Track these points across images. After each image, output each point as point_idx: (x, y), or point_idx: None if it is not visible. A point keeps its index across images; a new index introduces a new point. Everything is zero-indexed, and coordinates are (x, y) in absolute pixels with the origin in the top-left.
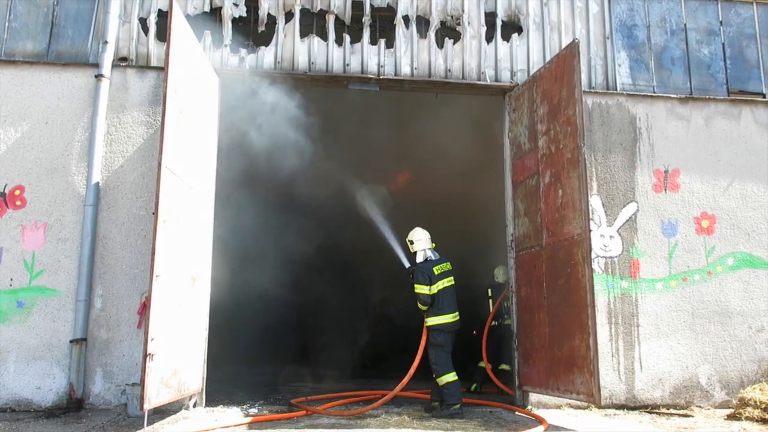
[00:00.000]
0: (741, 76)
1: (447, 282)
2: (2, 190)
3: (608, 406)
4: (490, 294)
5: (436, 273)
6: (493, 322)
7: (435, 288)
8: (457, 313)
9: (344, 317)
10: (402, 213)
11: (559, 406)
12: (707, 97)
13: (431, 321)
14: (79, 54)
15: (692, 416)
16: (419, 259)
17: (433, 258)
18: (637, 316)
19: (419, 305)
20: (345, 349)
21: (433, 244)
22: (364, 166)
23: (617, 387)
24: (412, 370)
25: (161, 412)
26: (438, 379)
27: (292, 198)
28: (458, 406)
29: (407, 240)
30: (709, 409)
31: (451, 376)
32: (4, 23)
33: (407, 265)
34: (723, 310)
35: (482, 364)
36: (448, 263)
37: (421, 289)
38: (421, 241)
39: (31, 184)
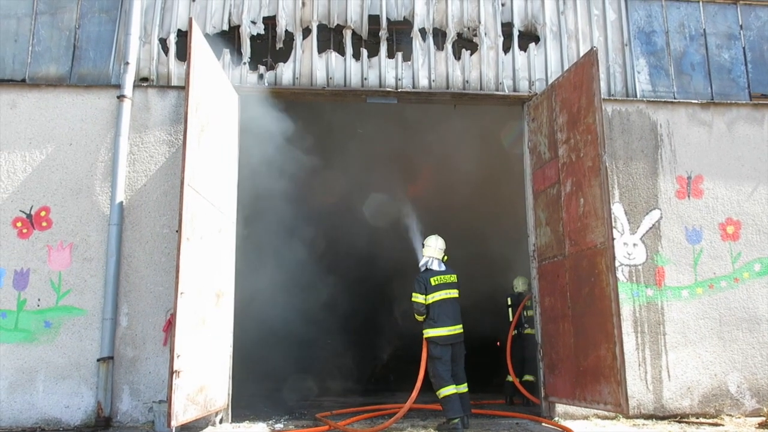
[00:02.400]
0: (763, 79)
1: (446, 294)
2: (28, 212)
3: (636, 416)
4: (509, 303)
5: (433, 283)
6: (513, 332)
7: (431, 298)
8: (457, 326)
9: (368, 332)
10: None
11: (586, 417)
12: (729, 101)
13: (427, 333)
14: (101, 76)
15: (722, 425)
16: (420, 264)
17: (435, 268)
18: (664, 325)
19: (415, 315)
20: (369, 364)
21: (445, 257)
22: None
23: (645, 396)
24: (418, 383)
25: (188, 429)
26: (437, 392)
27: (312, 211)
28: (457, 420)
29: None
30: (739, 417)
31: (449, 390)
32: (28, 48)
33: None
34: (751, 316)
35: (510, 378)
36: (454, 276)
37: (416, 297)
38: (429, 248)
39: (56, 205)
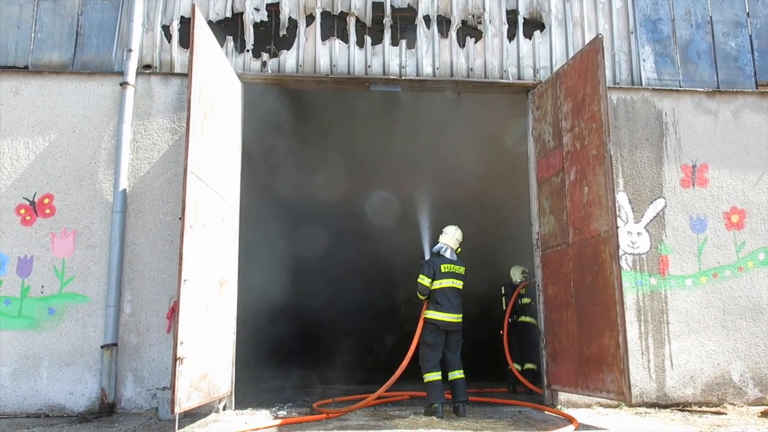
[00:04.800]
0: None
1: (452, 283)
2: (32, 199)
3: (639, 405)
4: (503, 291)
5: (442, 270)
6: (509, 320)
7: (438, 284)
8: (458, 315)
9: (371, 320)
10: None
11: (588, 405)
12: (735, 90)
13: (428, 314)
14: (103, 63)
15: (725, 414)
16: (433, 249)
17: (447, 256)
18: (667, 313)
19: (418, 294)
20: (371, 351)
21: (458, 249)
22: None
23: (648, 385)
24: (404, 363)
25: (191, 416)
26: (423, 376)
27: (315, 204)
28: (437, 405)
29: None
30: (742, 406)
31: (434, 376)
32: (30, 34)
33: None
34: (755, 305)
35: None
36: (462, 268)
37: (422, 279)
38: (446, 235)
39: (59, 192)
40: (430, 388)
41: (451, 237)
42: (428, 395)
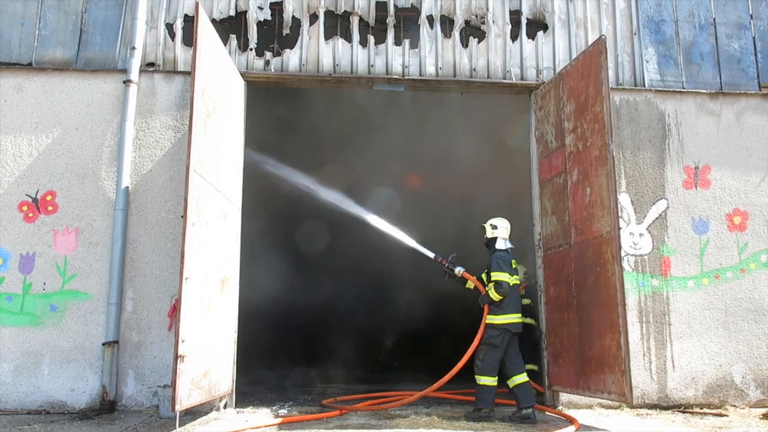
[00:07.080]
0: None
1: (516, 279)
2: (34, 196)
3: (640, 406)
4: None
5: (513, 266)
6: None
7: (512, 281)
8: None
9: (372, 319)
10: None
11: (590, 406)
12: (738, 92)
13: (497, 319)
14: (107, 60)
15: (727, 415)
16: (499, 246)
17: (510, 252)
18: (669, 315)
19: (494, 295)
20: (372, 351)
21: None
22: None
23: (649, 386)
24: (456, 369)
25: (192, 413)
26: (477, 377)
27: (317, 200)
28: (489, 410)
29: (488, 224)
30: (743, 408)
31: (493, 380)
32: (34, 31)
33: (431, 254)
34: (757, 307)
35: None
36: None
37: (502, 276)
38: (504, 229)
39: (62, 190)
40: (486, 392)
41: (507, 229)
42: (480, 399)
